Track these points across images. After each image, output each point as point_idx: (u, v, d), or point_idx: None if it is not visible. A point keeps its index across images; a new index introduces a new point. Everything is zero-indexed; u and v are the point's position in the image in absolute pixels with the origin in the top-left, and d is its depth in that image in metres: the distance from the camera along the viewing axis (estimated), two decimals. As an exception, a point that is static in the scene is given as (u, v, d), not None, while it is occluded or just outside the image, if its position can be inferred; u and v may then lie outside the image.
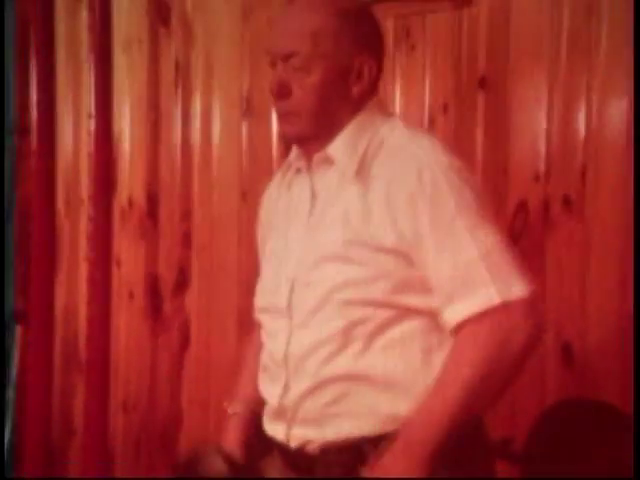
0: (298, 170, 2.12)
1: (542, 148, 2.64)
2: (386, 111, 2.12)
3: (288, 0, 2.33)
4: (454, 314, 1.90)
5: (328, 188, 2.04)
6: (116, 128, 3.42)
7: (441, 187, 1.91)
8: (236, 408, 2.25)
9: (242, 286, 3.26)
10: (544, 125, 2.64)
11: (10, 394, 3.67)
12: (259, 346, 2.21)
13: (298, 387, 2.00)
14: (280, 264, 2.10)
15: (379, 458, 1.90)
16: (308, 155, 2.07)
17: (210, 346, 3.48)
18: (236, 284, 3.34)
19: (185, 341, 3.57)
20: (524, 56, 2.66)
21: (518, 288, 1.88)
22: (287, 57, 1.99)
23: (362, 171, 1.98)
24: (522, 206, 2.66)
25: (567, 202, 2.59)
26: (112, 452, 3.57)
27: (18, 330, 3.66)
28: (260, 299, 2.19)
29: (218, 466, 2.20)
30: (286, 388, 2.02)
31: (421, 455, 1.87)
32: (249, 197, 3.26)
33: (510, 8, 2.68)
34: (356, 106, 2.03)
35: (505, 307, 1.87)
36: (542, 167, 2.64)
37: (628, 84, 2.47)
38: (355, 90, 2.01)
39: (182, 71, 3.52)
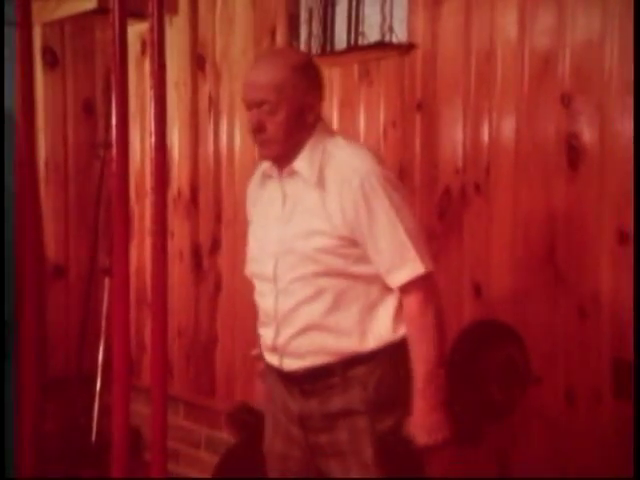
0: (270, 177, 2.10)
1: (460, 151, 2.65)
2: (330, 130, 2.11)
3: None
4: (395, 280, 1.95)
5: (295, 191, 2.02)
6: (169, 142, 3.43)
7: (377, 192, 1.92)
8: (257, 351, 2.26)
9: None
10: (461, 135, 2.65)
11: (103, 324, 3.72)
12: None
13: (285, 333, 2.02)
14: (263, 244, 2.09)
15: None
16: (279, 168, 2.05)
17: (235, 291, 3.46)
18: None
19: (218, 287, 3.56)
20: (447, 88, 2.68)
21: (429, 261, 1.96)
22: (259, 104, 1.97)
23: (319, 179, 1.97)
24: (447, 191, 2.68)
25: (477, 188, 2.61)
26: (171, 364, 3.64)
27: (106, 281, 3.72)
28: (252, 267, 2.17)
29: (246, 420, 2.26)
30: (277, 333, 2.04)
31: (436, 396, 1.95)
32: None
33: (436, 56, 2.69)
34: (310, 129, 2.01)
35: (426, 276, 1.94)
36: (460, 164, 2.65)
37: (518, 107, 2.49)
38: (309, 119, 2.01)
39: (213, 102, 3.51)
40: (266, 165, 2.13)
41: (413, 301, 1.96)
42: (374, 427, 1.98)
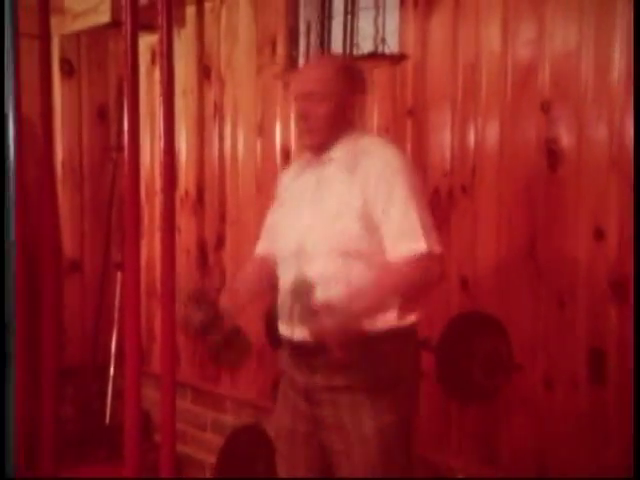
0: (307, 166, 2.13)
1: (447, 155, 2.65)
2: (364, 129, 2.18)
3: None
4: (397, 252, 1.94)
5: (327, 178, 2.04)
6: (177, 146, 3.39)
7: (401, 178, 1.96)
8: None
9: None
10: (448, 140, 2.65)
11: (116, 316, 3.73)
12: (253, 267, 2.29)
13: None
14: (292, 223, 2.10)
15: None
16: (316, 157, 2.09)
17: None
18: (254, 245, 3.29)
19: (222, 282, 3.54)
20: (435, 96, 2.67)
21: (437, 246, 1.95)
22: (307, 95, 2.03)
23: (352, 166, 2.00)
24: (436, 192, 2.67)
25: (463, 189, 2.61)
26: (179, 353, 3.59)
27: (119, 275, 3.72)
28: (275, 243, 2.18)
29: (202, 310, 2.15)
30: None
31: (357, 312, 1.88)
32: (262, 189, 3.26)
33: (426, 66, 2.69)
34: (348, 125, 2.07)
35: (428, 255, 1.92)
36: (448, 167, 2.65)
37: (501, 113, 2.49)
38: (348, 115, 2.07)
39: (218, 108, 3.51)
40: (303, 158, 2.19)
41: (408, 262, 1.94)
42: (373, 404, 1.99)
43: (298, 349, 2.08)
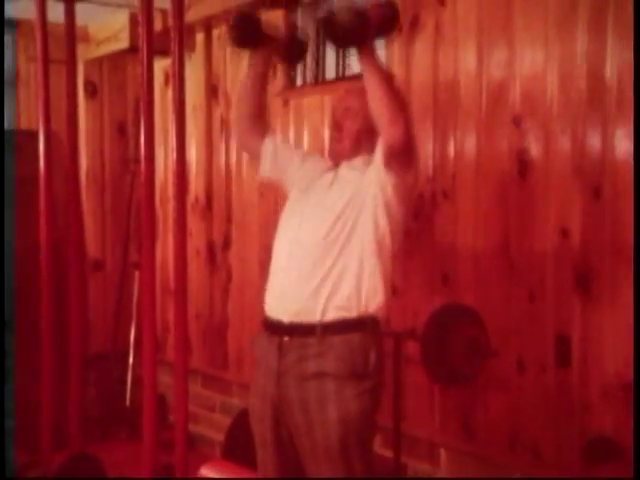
0: (329, 170, 2.13)
1: (430, 163, 2.65)
2: None
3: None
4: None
5: (342, 179, 2.05)
6: (188, 157, 3.41)
7: None
8: None
9: (261, 247, 3.28)
10: (431, 150, 2.65)
11: (134, 309, 3.74)
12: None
13: (293, 275, 1.99)
14: (300, 212, 2.09)
15: None
16: (336, 164, 2.10)
17: (243, 281, 3.48)
18: (257, 245, 3.34)
19: (229, 278, 3.58)
20: (419, 111, 2.65)
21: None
22: (345, 109, 2.05)
23: (364, 171, 2.01)
24: (421, 196, 2.67)
25: (445, 194, 2.62)
26: (190, 342, 3.64)
27: (136, 274, 3.75)
28: (279, 230, 2.14)
29: None
30: (287, 275, 2.01)
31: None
32: (264, 196, 3.28)
33: (410, 84, 2.70)
34: (370, 149, 2.03)
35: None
36: (430, 173, 2.65)
37: (477, 127, 2.51)
38: (375, 139, 1.98)
39: (224, 123, 3.52)
40: (329, 164, 2.17)
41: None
42: (341, 392, 1.95)
43: (274, 329, 2.02)
